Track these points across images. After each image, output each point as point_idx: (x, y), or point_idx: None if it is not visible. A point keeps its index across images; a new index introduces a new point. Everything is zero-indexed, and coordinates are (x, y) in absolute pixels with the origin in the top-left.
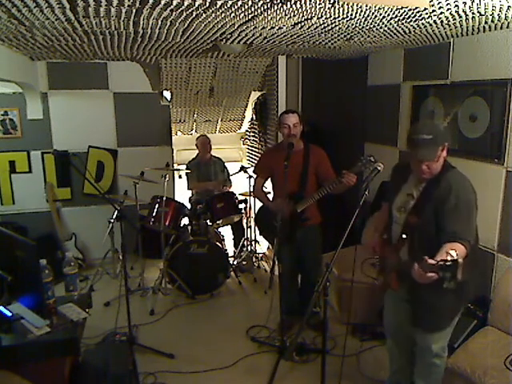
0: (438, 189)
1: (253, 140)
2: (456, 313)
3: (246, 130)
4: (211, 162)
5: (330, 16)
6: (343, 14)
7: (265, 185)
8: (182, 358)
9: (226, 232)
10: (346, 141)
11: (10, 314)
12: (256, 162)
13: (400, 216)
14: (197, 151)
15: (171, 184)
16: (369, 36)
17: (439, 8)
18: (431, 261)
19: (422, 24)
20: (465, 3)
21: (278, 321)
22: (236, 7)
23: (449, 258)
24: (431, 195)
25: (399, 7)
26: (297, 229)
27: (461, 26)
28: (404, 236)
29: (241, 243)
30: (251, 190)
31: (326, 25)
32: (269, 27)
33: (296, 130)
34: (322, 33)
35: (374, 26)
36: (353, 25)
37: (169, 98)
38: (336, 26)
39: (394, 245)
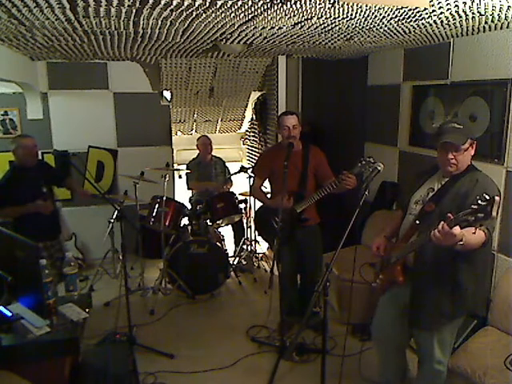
0: (462, 183)
1: (253, 140)
2: (455, 314)
3: (246, 130)
4: (212, 163)
5: (330, 16)
6: (343, 14)
7: (263, 185)
8: (182, 358)
9: (226, 232)
10: (346, 141)
11: (9, 314)
12: (255, 162)
13: (416, 207)
14: (197, 151)
15: (171, 184)
16: (369, 36)
17: (439, 8)
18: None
19: (422, 24)
20: (465, 3)
21: (278, 321)
22: (236, 7)
23: (479, 202)
24: (453, 187)
25: (399, 7)
26: (296, 229)
27: (461, 26)
28: (417, 222)
29: (241, 243)
30: (250, 190)
31: (325, 25)
32: (269, 27)
33: (296, 131)
34: (321, 33)
35: (374, 26)
36: (353, 25)
37: (169, 97)
38: (336, 26)
39: (404, 235)
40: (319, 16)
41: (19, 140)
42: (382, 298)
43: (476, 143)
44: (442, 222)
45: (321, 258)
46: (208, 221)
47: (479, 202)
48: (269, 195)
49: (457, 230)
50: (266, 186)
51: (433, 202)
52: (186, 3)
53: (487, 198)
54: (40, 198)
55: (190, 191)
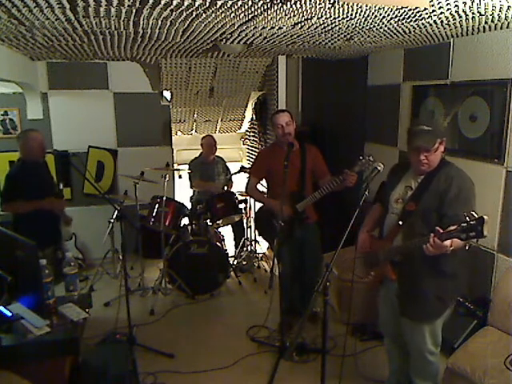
0: (438, 180)
1: (253, 140)
2: (445, 305)
3: (246, 130)
4: (214, 162)
5: (330, 16)
6: (343, 14)
7: (260, 185)
8: (182, 358)
9: (226, 232)
10: (346, 141)
11: (9, 314)
12: (252, 163)
13: (397, 206)
14: (199, 151)
15: (171, 184)
16: (369, 36)
17: (439, 8)
18: (451, 227)
19: (422, 24)
20: (465, 3)
21: (277, 321)
22: (236, 7)
23: (467, 219)
24: (430, 185)
25: (399, 7)
26: (296, 228)
27: (461, 26)
28: (400, 222)
29: (241, 243)
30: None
31: (325, 25)
32: (269, 27)
33: (289, 128)
34: (321, 33)
35: (374, 26)
36: (353, 25)
37: (169, 97)
38: (336, 26)
39: (388, 234)
40: (319, 16)
41: (28, 133)
42: (381, 297)
43: (445, 140)
44: (433, 235)
45: (320, 255)
46: (208, 221)
47: (467, 219)
48: (265, 196)
49: (447, 242)
50: (263, 185)
51: (413, 201)
52: (186, 3)
53: (475, 215)
54: (52, 196)
55: (192, 191)
